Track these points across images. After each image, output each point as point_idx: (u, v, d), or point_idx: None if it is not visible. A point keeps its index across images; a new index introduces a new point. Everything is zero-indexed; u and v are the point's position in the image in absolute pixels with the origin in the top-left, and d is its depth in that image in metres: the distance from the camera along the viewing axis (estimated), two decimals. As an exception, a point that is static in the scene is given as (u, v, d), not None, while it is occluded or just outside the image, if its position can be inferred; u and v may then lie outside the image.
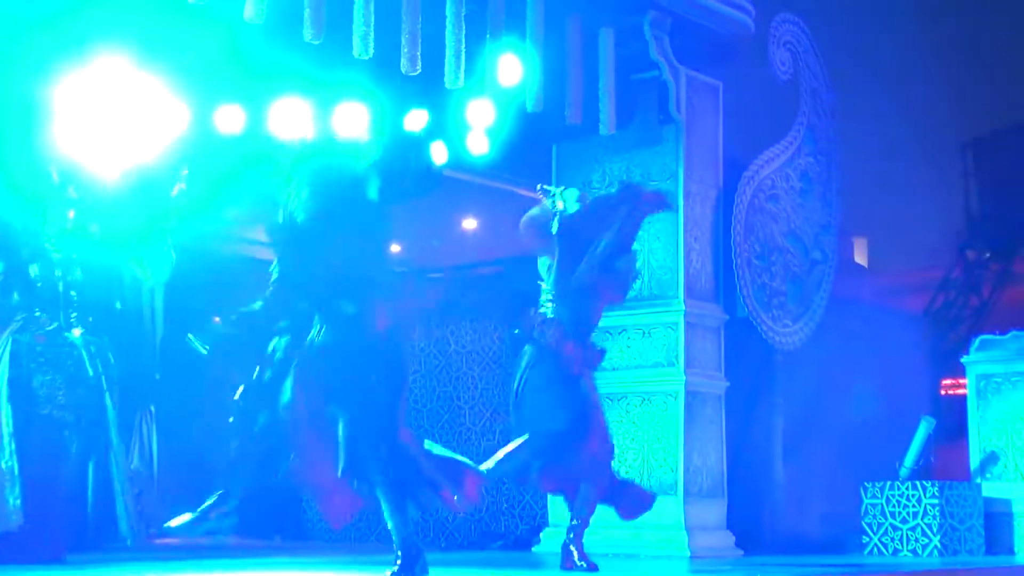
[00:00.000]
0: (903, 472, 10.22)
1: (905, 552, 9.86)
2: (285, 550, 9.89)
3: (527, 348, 7.31)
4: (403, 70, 8.39)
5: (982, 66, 15.23)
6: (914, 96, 13.87)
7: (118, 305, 8.72)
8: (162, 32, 8.22)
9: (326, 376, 5.79)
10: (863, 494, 10.09)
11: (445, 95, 9.14)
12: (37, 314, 7.92)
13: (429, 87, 8.83)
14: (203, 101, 8.97)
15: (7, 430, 7.50)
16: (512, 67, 9.01)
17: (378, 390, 5.77)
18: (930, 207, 14.06)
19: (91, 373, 7.86)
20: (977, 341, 10.80)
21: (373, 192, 5.84)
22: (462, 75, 8.61)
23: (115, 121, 8.26)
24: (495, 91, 9.14)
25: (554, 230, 7.38)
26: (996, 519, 10.25)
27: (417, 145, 10.09)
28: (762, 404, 10.59)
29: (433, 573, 6.12)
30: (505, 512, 10.71)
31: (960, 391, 11.58)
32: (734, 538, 9.84)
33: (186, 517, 6.11)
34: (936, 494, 9.85)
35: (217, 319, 7.43)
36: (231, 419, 6.14)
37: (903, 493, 9.95)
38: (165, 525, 6.23)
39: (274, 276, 6.16)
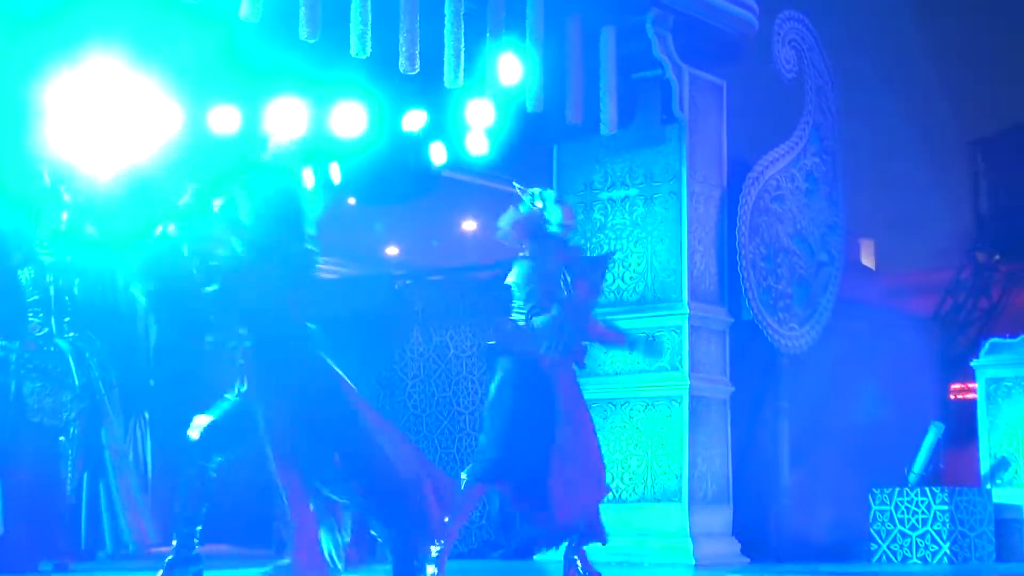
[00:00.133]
0: (912, 478, 10.13)
1: (914, 559, 9.79)
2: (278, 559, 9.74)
3: (501, 360, 7.05)
4: (401, 69, 8.31)
5: (989, 64, 15.15)
6: (921, 95, 13.78)
7: (112, 309, 8.64)
8: (156, 31, 8.14)
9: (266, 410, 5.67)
10: (871, 500, 10.01)
11: (444, 95, 9.13)
12: (29, 319, 7.82)
13: (428, 87, 8.81)
14: (197, 101, 8.87)
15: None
16: (512, 66, 8.94)
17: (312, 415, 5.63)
18: (938, 207, 13.97)
19: (77, 382, 7.75)
20: (987, 344, 10.77)
21: (311, 227, 5.78)
22: (461, 74, 8.53)
23: (108, 121, 8.15)
24: (495, 91, 9.08)
25: (552, 228, 7.12)
26: (1007, 526, 10.21)
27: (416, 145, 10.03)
28: (768, 409, 10.49)
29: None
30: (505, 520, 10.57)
31: (970, 395, 11.50)
32: (740, 545, 9.77)
33: None
34: (946, 500, 9.76)
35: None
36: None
37: (912, 499, 9.87)
38: None
39: (213, 288, 6.01)
